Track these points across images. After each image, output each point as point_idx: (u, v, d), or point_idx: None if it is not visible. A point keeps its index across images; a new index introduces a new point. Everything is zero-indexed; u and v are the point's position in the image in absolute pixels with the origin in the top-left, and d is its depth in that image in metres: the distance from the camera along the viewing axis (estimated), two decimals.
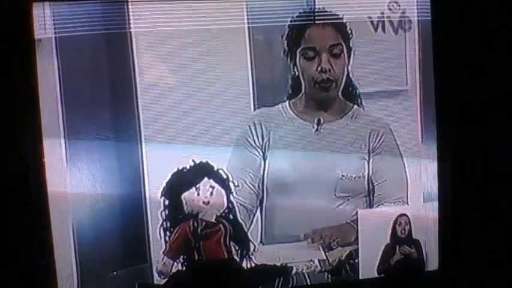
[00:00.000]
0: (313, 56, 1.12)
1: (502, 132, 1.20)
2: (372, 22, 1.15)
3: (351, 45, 1.14)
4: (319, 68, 1.12)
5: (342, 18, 1.13)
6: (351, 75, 1.15)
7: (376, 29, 1.15)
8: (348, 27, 1.13)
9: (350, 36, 1.13)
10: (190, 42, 1.09)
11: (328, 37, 1.12)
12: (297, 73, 1.13)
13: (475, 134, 1.19)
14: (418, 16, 1.16)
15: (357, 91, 1.15)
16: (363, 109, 1.16)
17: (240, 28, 1.11)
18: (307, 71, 1.12)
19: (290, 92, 1.14)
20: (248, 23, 1.11)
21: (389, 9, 1.15)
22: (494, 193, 1.21)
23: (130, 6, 1.07)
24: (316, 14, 1.13)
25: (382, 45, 1.15)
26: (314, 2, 1.13)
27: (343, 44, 1.13)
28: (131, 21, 1.07)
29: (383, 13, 1.15)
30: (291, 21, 1.11)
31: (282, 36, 1.11)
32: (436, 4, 1.15)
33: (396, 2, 1.15)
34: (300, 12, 1.12)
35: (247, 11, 1.11)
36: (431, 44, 1.16)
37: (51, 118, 1.05)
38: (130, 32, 1.07)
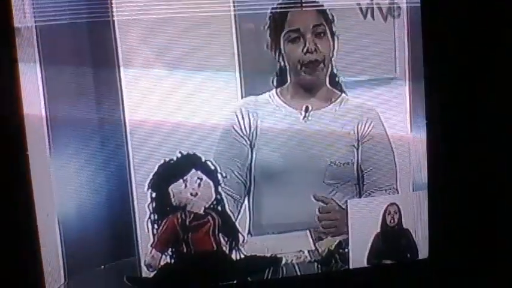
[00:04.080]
0: (297, 37, 1.11)
1: (492, 121, 1.20)
2: (361, 9, 1.13)
3: (334, 30, 1.12)
4: (304, 49, 1.11)
5: (330, 4, 1.11)
6: (335, 63, 1.13)
7: (365, 16, 1.14)
8: (329, 12, 1.12)
9: (332, 20, 1.12)
10: (175, 30, 1.07)
11: (311, 18, 1.11)
12: (282, 63, 1.11)
13: (464, 122, 1.19)
14: (407, 2, 1.15)
15: (343, 79, 1.14)
16: (353, 95, 1.15)
17: (226, 15, 1.09)
18: (292, 55, 1.11)
19: (277, 80, 1.13)
20: (234, 10, 1.09)
21: None
22: (483, 182, 1.21)
23: None
24: (304, 0, 1.11)
25: (371, 33, 1.14)
26: None
27: (325, 24, 1.12)
28: (114, 9, 1.04)
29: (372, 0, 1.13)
30: (272, 8, 1.10)
31: (264, 27, 1.10)
32: None
33: None
34: None
35: None
36: (420, 31, 1.15)
37: (33, 110, 1.03)
38: (113, 21, 1.05)
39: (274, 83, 1.13)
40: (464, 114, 1.18)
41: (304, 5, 1.12)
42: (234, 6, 1.09)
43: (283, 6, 1.10)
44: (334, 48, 1.13)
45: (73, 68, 1.05)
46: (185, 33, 1.07)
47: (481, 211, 1.21)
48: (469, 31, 1.16)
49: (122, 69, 1.06)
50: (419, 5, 1.15)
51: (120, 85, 1.07)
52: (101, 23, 1.04)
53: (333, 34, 1.12)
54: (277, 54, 1.11)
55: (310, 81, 1.13)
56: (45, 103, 1.04)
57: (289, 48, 1.11)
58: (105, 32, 1.05)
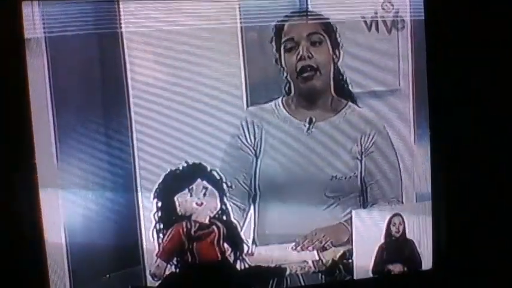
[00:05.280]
0: (293, 46, 1.12)
1: (496, 132, 1.21)
2: (366, 22, 1.15)
3: (338, 40, 1.13)
4: (298, 56, 1.12)
5: (335, 17, 1.13)
6: (342, 72, 1.14)
7: (369, 29, 1.15)
8: (331, 22, 1.13)
9: (333, 30, 1.13)
10: (182, 42, 1.08)
11: (306, 27, 1.12)
12: (285, 74, 1.13)
13: (468, 133, 1.19)
14: (411, 16, 1.16)
15: (351, 88, 1.15)
16: (357, 106, 1.16)
17: (233, 28, 1.10)
18: (289, 63, 1.12)
19: (283, 90, 1.14)
20: (241, 23, 1.10)
21: (383, 8, 1.15)
22: (487, 192, 1.21)
23: (121, 6, 1.05)
24: (309, 13, 1.12)
25: (376, 45, 1.15)
26: (307, 1, 1.12)
27: (323, 34, 1.13)
28: (122, 21, 1.06)
29: (376, 13, 1.15)
30: (278, 21, 1.11)
31: (271, 41, 1.11)
32: (429, 3, 1.16)
33: (390, 2, 1.15)
34: (292, 12, 1.12)
35: (239, 11, 1.10)
36: (424, 44, 1.17)
37: (41, 119, 1.04)
38: (121, 32, 1.06)
39: (280, 94, 1.13)
40: (469, 125, 1.19)
41: (309, 17, 1.13)
42: (240, 19, 1.10)
43: (288, 18, 1.12)
44: (338, 58, 1.14)
45: (81, 78, 1.06)
46: (192, 44, 1.09)
47: (485, 222, 1.21)
48: (472, 44, 1.17)
49: (129, 80, 1.07)
50: (423, 18, 1.16)
51: (128, 96, 1.08)
52: (109, 34, 1.06)
53: (335, 44, 1.13)
54: (279, 64, 1.12)
55: (308, 90, 1.14)
56: (53, 113, 1.04)
57: (286, 57, 1.12)
58: (113, 43, 1.06)
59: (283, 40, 1.11)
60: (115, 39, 1.06)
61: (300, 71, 1.12)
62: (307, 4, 1.13)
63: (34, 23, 1.02)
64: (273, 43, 1.12)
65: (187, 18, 1.08)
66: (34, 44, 1.02)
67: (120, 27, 1.06)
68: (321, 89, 1.15)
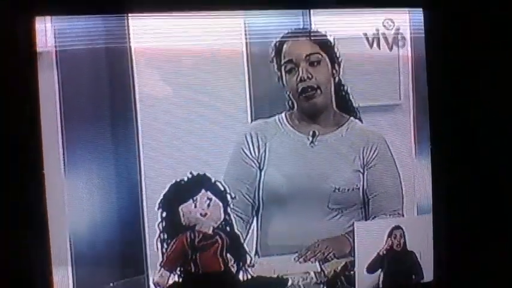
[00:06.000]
0: (292, 68, 1.14)
1: (498, 145, 1.22)
2: (367, 38, 1.17)
3: (338, 55, 1.16)
4: (298, 78, 1.14)
5: (337, 34, 1.16)
6: (343, 87, 1.17)
7: (371, 46, 1.18)
8: (328, 40, 1.15)
9: (331, 47, 1.15)
10: (189, 57, 1.11)
11: (304, 48, 1.15)
12: (287, 92, 1.15)
13: (468, 147, 1.21)
14: (411, 33, 1.19)
15: (352, 103, 1.18)
16: (360, 121, 1.18)
17: (238, 43, 1.13)
18: (290, 84, 1.15)
19: (286, 105, 1.16)
20: (246, 39, 1.13)
21: (384, 26, 1.18)
22: (488, 205, 1.22)
23: (130, 21, 1.08)
24: (312, 31, 1.15)
25: (377, 61, 1.18)
26: (310, 19, 1.15)
27: (321, 53, 1.15)
28: (131, 36, 1.09)
29: (378, 30, 1.18)
30: (280, 39, 1.14)
31: (271, 61, 1.14)
32: (429, 21, 1.19)
33: (391, 19, 1.18)
34: (295, 29, 1.15)
35: (245, 28, 1.13)
36: (424, 60, 1.19)
37: (50, 131, 1.06)
38: (130, 47, 1.09)
39: (283, 109, 1.16)
40: (469, 139, 1.21)
41: (312, 34, 1.16)
42: (245, 35, 1.13)
43: (291, 36, 1.15)
44: (338, 74, 1.16)
45: (90, 91, 1.08)
46: (198, 59, 1.11)
47: (486, 234, 1.22)
48: (471, 59, 1.19)
49: (137, 93, 1.10)
50: (423, 35, 1.19)
51: (135, 108, 1.10)
52: (118, 49, 1.08)
53: (333, 61, 1.16)
54: (281, 83, 1.15)
55: (311, 106, 1.16)
56: (62, 125, 1.07)
57: (287, 78, 1.15)
58: (121, 58, 1.09)
59: (283, 62, 1.14)
60: (124, 53, 1.09)
61: (301, 92, 1.15)
62: (310, 22, 1.16)
63: (46, 38, 1.05)
64: (274, 63, 1.14)
65: (194, 34, 1.11)
66: (45, 58, 1.05)
67: (129, 42, 1.09)
68: (322, 106, 1.17)
